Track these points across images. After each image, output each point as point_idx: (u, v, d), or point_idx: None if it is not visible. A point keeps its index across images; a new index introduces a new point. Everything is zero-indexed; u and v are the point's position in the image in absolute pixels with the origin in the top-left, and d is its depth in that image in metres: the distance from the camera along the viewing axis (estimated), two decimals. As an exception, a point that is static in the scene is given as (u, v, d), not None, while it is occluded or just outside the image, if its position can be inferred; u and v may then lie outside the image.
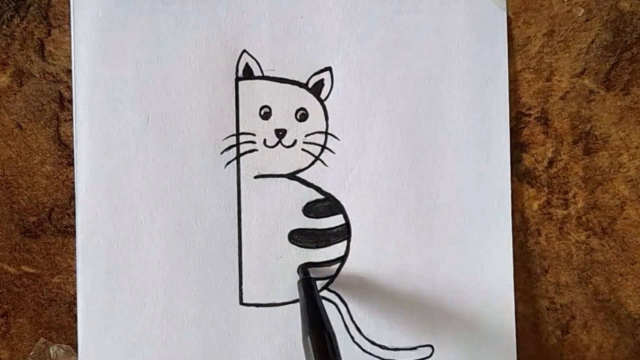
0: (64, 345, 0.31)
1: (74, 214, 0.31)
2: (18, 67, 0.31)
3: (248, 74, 0.32)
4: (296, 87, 0.32)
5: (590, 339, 0.33)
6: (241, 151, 0.32)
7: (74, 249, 0.31)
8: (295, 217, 0.32)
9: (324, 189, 0.32)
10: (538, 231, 0.33)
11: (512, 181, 0.33)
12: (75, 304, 0.31)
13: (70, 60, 0.31)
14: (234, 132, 0.32)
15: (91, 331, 0.31)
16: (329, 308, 0.32)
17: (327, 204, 0.32)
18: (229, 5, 0.32)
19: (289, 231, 0.32)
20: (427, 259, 0.32)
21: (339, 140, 0.32)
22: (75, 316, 0.31)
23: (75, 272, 0.31)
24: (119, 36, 0.31)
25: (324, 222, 0.32)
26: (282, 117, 0.32)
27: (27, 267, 0.32)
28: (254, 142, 0.32)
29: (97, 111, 0.31)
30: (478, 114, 0.32)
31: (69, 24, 0.31)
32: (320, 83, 0.32)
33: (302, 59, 0.32)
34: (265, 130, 0.32)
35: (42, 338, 0.32)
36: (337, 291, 0.32)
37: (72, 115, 0.31)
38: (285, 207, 0.32)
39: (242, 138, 0.32)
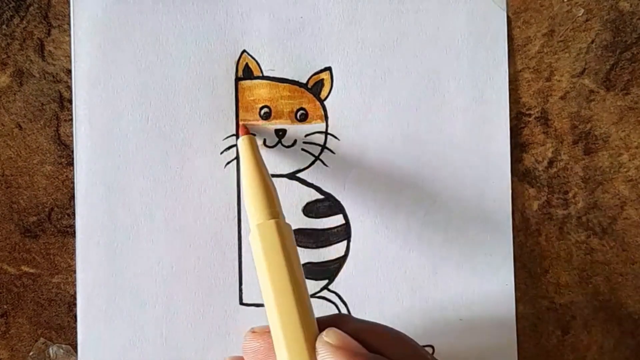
0: (63, 345, 0.31)
1: (74, 214, 0.31)
2: (18, 67, 0.31)
3: (248, 74, 0.32)
4: (296, 87, 0.32)
5: (590, 339, 0.33)
6: (241, 151, 0.32)
7: (74, 249, 0.31)
8: (295, 217, 0.32)
9: (324, 189, 0.32)
10: (538, 231, 0.33)
11: (512, 181, 0.33)
12: (75, 304, 0.31)
13: (70, 60, 0.31)
14: (234, 132, 0.32)
15: (91, 331, 0.31)
16: (329, 308, 0.32)
17: (327, 204, 0.32)
18: (229, 6, 0.32)
19: (289, 231, 0.32)
20: (427, 259, 0.32)
21: (339, 140, 0.32)
22: (75, 316, 0.31)
23: (75, 272, 0.31)
24: (119, 36, 0.31)
25: (324, 222, 0.32)
26: (282, 117, 0.32)
27: (26, 267, 0.31)
28: (254, 142, 0.32)
29: (97, 111, 0.31)
30: (478, 114, 0.32)
31: (69, 24, 0.31)
32: (320, 83, 0.32)
33: (302, 59, 0.32)
34: (265, 130, 0.32)
35: (41, 338, 0.32)
36: (337, 291, 0.32)
37: (72, 115, 0.31)
38: (285, 207, 0.32)
39: (242, 138, 0.32)
